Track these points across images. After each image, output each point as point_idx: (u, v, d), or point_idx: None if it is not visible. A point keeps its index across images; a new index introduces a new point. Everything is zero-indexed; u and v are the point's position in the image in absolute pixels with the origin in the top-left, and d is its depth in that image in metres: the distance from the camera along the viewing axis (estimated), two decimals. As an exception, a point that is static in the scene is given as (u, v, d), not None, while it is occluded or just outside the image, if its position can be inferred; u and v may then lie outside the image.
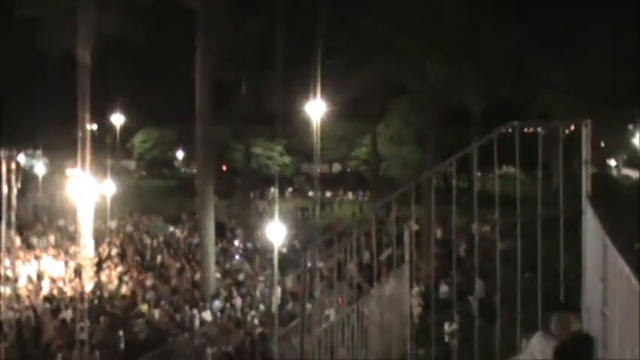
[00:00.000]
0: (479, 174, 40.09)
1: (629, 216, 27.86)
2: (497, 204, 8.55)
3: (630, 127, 60.16)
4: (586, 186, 7.63)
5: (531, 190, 8.93)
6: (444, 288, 28.40)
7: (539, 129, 8.95)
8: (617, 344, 4.49)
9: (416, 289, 25.67)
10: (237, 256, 40.52)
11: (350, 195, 62.25)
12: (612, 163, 62.11)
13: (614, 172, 57.73)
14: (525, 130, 8.87)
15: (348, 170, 68.25)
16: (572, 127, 8.27)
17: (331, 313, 14.86)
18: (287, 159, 68.52)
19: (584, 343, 5.68)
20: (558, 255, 8.00)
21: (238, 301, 31.70)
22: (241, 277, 35.99)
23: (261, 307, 31.07)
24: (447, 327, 21.87)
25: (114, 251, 39.62)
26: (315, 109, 37.40)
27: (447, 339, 21.85)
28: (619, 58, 47.45)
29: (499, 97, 40.82)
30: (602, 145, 56.11)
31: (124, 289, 32.95)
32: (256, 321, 29.28)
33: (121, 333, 26.44)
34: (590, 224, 6.73)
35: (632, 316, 3.76)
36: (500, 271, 8.63)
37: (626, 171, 59.56)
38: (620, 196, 30.00)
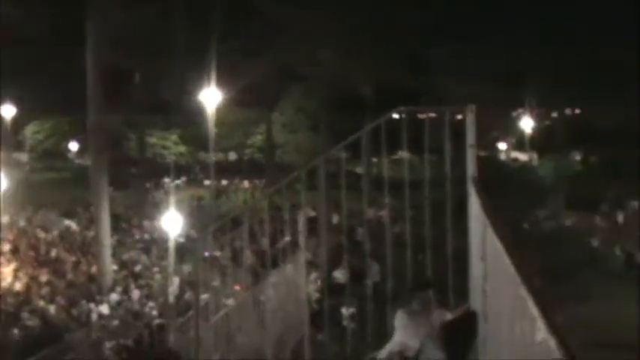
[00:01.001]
0: (374, 159, 40.69)
1: (514, 196, 28.82)
2: (386, 188, 8.73)
3: (519, 111, 62.25)
4: (471, 169, 7.84)
5: (421, 174, 9.12)
6: (340, 272, 28.72)
7: (431, 114, 9.15)
8: (495, 320, 4.68)
9: (314, 274, 25.95)
10: (134, 248, 39.98)
11: (246, 183, 62.12)
12: (502, 146, 64.01)
13: (504, 156, 59.58)
14: (421, 115, 9.10)
15: (245, 158, 68.07)
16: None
17: (230, 301, 14.90)
18: (182, 148, 67.82)
19: (468, 320, 5.89)
20: (448, 239, 8.25)
21: (136, 293, 31.37)
22: (138, 268, 35.59)
23: (160, 298, 30.85)
24: (344, 311, 22.19)
25: (6, 247, 38.44)
26: (210, 97, 37.23)
27: (345, 322, 22.18)
28: (507, 45, 48.95)
29: (394, 83, 41.47)
30: (492, 129, 57.87)
31: (18, 286, 32.09)
32: (155, 312, 29.07)
33: (15, 330, 25.82)
34: (474, 206, 6.96)
35: (506, 293, 3.94)
36: (395, 254, 8.81)
37: (515, 154, 61.55)
38: (506, 178, 31.02)
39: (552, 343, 2.62)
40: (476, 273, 6.54)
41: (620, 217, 53.67)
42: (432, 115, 9.13)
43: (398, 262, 8.86)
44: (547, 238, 28.79)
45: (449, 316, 6.43)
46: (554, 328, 2.70)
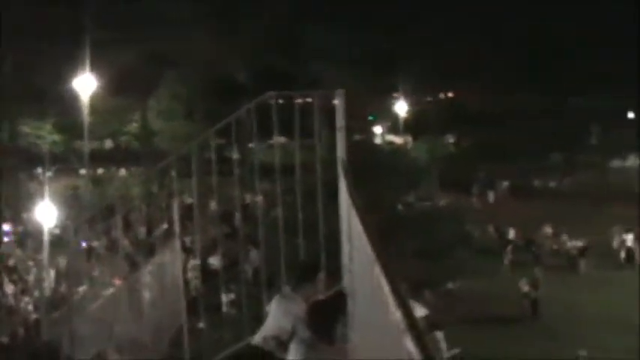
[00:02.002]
0: (251, 145, 40.55)
1: (389, 178, 29.35)
2: (255, 174, 8.81)
3: (394, 95, 63.42)
4: (340, 152, 8.00)
5: (302, 159, 9.22)
6: (215, 259, 28.69)
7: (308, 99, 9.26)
8: (361, 298, 4.86)
9: (192, 261, 25.85)
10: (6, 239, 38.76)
11: (123, 171, 61.04)
12: (378, 130, 65.06)
13: (379, 139, 60.64)
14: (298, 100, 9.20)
15: (122, 146, 66.75)
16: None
17: (108, 291, 14.69)
18: (57, 137, 65.84)
19: (338, 299, 6.07)
20: (325, 220, 8.40)
21: (10, 288, 30.45)
22: (12, 262, 34.53)
23: (35, 292, 30.04)
24: (224, 297, 22.24)
25: None
26: (85, 84, 36.39)
27: (224, 309, 22.26)
28: (384, 31, 49.78)
29: (271, 69, 41.50)
30: (368, 113, 58.73)
31: None
32: (30, 307, 28.30)
33: None
34: (343, 188, 7.12)
35: (366, 272, 4.10)
36: (274, 239, 8.90)
37: (390, 137, 62.72)
38: (380, 161, 31.65)
39: (398, 315, 2.77)
40: (345, 253, 6.72)
41: (491, 197, 55.76)
42: (309, 99, 9.23)
43: (276, 247, 8.94)
44: (421, 218, 29.61)
45: (320, 296, 6.58)
46: (403, 305, 2.85)
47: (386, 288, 3.12)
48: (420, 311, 23.53)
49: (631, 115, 66.86)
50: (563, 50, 55.62)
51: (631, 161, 71.95)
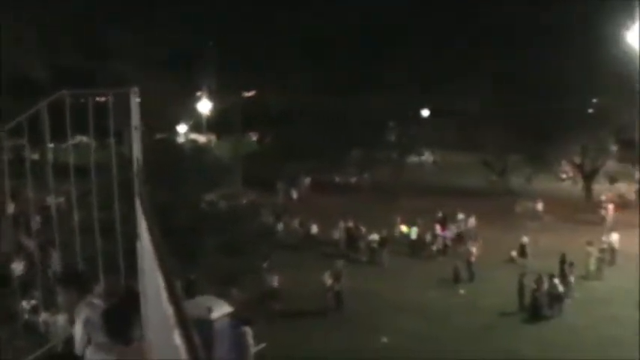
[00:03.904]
0: (51, 145, 38.95)
1: (191, 177, 29.12)
2: (50, 175, 8.52)
3: (198, 94, 63.13)
4: (136, 151, 7.89)
5: (105, 158, 9.00)
6: (18, 264, 27.45)
7: (103, 98, 9.01)
8: (151, 296, 4.82)
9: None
10: None
11: None
12: (182, 129, 64.57)
13: (183, 138, 60.14)
14: (98, 98, 8.94)
15: None
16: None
17: None
18: None
19: (130, 299, 6.00)
20: (128, 220, 8.22)
21: None
22: None
23: None
24: (25, 304, 21.36)
25: None
26: None
27: (27, 316, 21.40)
28: (188, 29, 49.37)
29: (71, 67, 40.08)
30: (171, 112, 58.08)
31: None
32: None
33: None
34: (138, 187, 7.03)
35: (153, 270, 4.08)
36: (75, 240, 8.60)
37: (193, 136, 62.38)
38: (183, 160, 31.47)
39: (170, 311, 2.78)
40: (140, 253, 6.65)
41: (295, 194, 56.78)
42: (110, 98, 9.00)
43: (80, 248, 8.67)
44: (224, 216, 29.66)
45: (113, 298, 6.49)
46: (175, 301, 2.87)
47: (162, 287, 3.12)
48: (224, 308, 23.70)
49: (425, 112, 70.20)
50: (360, 49, 57.39)
51: (426, 157, 75.76)
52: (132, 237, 8.10)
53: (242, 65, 56.35)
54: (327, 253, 37.98)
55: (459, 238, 40.75)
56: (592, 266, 33.84)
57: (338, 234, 41.71)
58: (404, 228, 41.51)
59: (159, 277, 3.43)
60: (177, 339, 2.62)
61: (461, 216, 43.51)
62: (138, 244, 6.28)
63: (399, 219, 42.32)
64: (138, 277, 6.84)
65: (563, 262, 32.69)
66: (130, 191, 8.08)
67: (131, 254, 8.05)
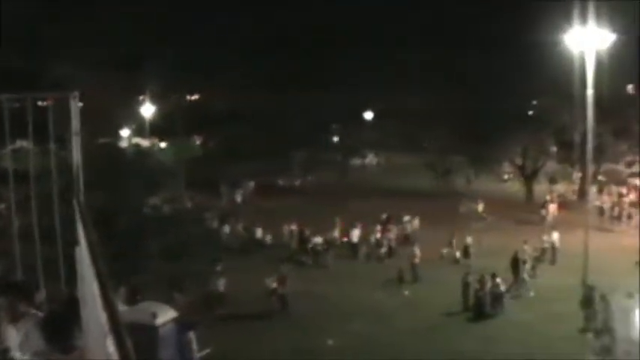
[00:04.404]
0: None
1: (135, 181, 28.75)
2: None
3: (141, 97, 62.57)
4: (76, 157, 7.78)
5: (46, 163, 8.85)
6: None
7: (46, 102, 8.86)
8: (91, 302, 4.78)
9: None
10: None
11: None
12: (125, 133, 63.94)
13: (126, 142, 59.49)
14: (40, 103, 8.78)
15: None
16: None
17: None
18: None
19: (70, 306, 5.93)
20: (69, 226, 8.09)
21: None
22: None
23: None
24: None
25: None
26: None
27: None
28: (131, 32, 48.84)
29: (9, 68, 39.37)
30: (114, 115, 57.51)
31: None
32: None
33: None
34: (76, 193, 6.95)
35: (91, 276, 4.04)
36: (19, 247, 8.44)
37: (136, 140, 61.72)
38: (126, 164, 31.13)
39: (104, 317, 2.77)
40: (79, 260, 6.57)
41: (239, 197, 56.58)
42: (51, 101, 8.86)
43: (22, 255, 8.50)
44: (167, 220, 29.38)
45: (53, 306, 6.41)
46: (109, 307, 2.85)
47: (97, 291, 3.10)
48: (169, 314, 23.50)
49: (369, 115, 70.57)
50: (305, 52, 57.51)
51: (370, 159, 76.22)
52: (73, 243, 7.99)
53: (185, 68, 56.03)
54: (272, 257, 37.88)
55: (405, 239, 40.98)
56: (528, 264, 34.44)
57: (283, 237, 41.69)
58: (338, 231, 41.53)
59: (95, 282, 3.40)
60: (110, 346, 2.61)
61: (407, 217, 43.76)
62: (77, 250, 6.21)
63: (338, 221, 42.37)
64: (77, 284, 6.76)
65: (515, 259, 33.29)
66: (71, 197, 7.97)
67: (72, 260, 7.95)
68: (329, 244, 39.15)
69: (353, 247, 39.86)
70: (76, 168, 7.52)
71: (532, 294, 31.47)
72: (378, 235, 40.54)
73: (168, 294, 26.76)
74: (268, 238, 42.02)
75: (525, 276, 32.47)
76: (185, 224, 29.75)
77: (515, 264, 32.99)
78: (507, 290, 30.60)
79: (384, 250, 39.36)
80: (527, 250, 35.04)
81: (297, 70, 56.70)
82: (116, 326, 2.69)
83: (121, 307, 24.75)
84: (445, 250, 37.70)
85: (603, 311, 26.00)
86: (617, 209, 48.70)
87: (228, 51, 56.37)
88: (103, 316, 2.87)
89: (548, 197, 50.82)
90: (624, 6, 39.74)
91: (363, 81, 56.66)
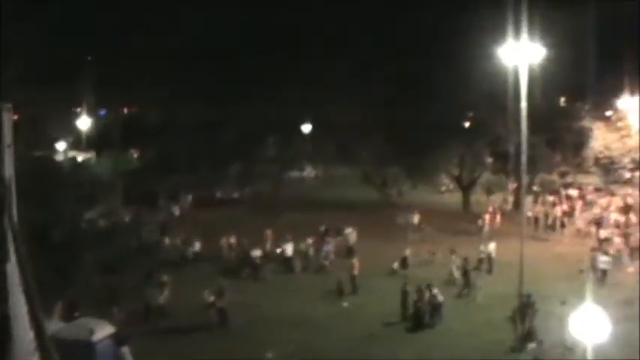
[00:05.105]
0: None
1: (69, 195, 28.33)
2: None
3: (77, 110, 61.73)
4: (8, 170, 7.65)
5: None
6: None
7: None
8: (20, 321, 4.72)
9: None
10: None
11: None
12: (61, 146, 62.88)
13: (62, 155, 58.53)
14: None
15: None
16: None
17: None
18: None
19: (0, 324, 5.83)
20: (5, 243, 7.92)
21: None
22: None
23: None
24: None
25: None
26: None
27: None
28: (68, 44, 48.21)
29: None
30: (50, 128, 56.63)
31: None
32: None
33: None
34: (7, 208, 6.83)
35: (22, 293, 3.99)
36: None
37: (72, 153, 60.79)
38: (61, 177, 30.67)
39: (31, 335, 2.74)
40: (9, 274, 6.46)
41: (177, 210, 56.00)
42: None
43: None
44: (103, 234, 28.96)
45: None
46: (36, 326, 2.82)
47: (24, 309, 3.06)
48: (107, 329, 23.20)
49: (307, 127, 70.66)
50: (242, 63, 57.48)
51: (307, 171, 76.30)
52: (3, 259, 7.84)
53: (122, 80, 55.49)
54: (210, 270, 37.61)
55: (348, 251, 40.77)
56: (456, 274, 34.93)
57: (222, 250, 41.38)
58: (269, 244, 41.43)
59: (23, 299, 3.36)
60: None
61: (348, 229, 43.74)
62: (8, 266, 6.11)
63: (269, 233, 42.28)
64: (9, 301, 6.64)
65: (465, 266, 34.06)
66: (2, 211, 7.83)
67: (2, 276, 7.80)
68: (267, 257, 38.99)
69: (286, 261, 39.62)
70: (8, 181, 7.39)
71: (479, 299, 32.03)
72: (311, 250, 40.38)
73: (106, 308, 26.39)
74: (206, 251, 41.63)
75: (477, 281, 33.19)
76: (119, 238, 29.38)
77: (465, 270, 33.76)
78: (458, 295, 31.60)
79: (323, 262, 39.18)
80: (455, 261, 35.57)
81: (235, 82, 56.60)
82: (43, 343, 2.67)
83: (58, 324, 24.35)
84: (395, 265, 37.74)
85: (530, 319, 26.83)
86: (550, 219, 49.64)
87: (164, 63, 56.00)
88: (31, 334, 2.84)
89: (490, 208, 51.38)
90: (556, 21, 40.72)
91: (300, 92, 56.71)
